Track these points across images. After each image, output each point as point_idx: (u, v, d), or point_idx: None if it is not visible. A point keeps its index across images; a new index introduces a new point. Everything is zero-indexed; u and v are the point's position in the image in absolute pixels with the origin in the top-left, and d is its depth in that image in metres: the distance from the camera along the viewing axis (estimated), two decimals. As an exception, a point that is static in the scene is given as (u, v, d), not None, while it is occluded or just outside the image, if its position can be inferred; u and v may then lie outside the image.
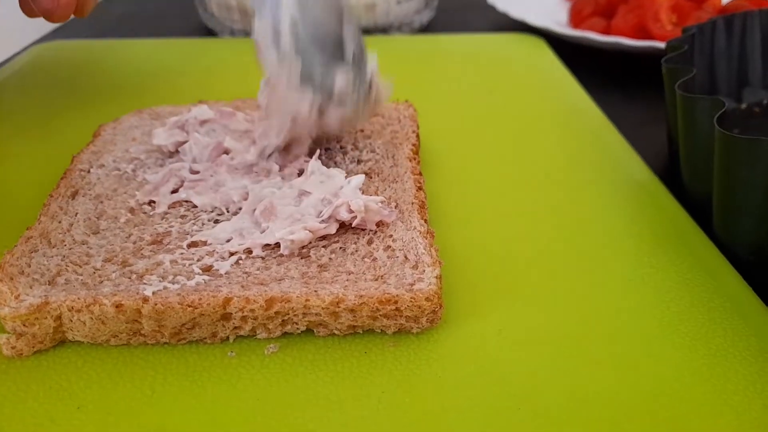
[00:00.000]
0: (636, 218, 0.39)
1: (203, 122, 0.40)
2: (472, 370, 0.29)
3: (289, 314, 0.29)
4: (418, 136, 0.42)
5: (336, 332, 0.30)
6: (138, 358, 0.29)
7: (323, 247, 0.32)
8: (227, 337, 0.30)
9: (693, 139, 0.38)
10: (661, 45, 0.59)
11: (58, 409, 0.27)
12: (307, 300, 0.29)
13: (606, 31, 0.66)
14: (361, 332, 0.30)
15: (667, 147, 0.50)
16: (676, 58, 0.43)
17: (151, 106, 0.46)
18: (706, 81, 0.53)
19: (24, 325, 0.29)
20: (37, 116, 0.50)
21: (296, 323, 0.29)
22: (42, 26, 0.72)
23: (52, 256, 0.32)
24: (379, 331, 0.30)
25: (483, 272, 0.34)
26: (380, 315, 0.29)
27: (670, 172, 0.46)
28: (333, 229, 0.32)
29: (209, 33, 0.73)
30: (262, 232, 0.32)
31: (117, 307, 0.28)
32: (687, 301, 0.32)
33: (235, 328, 0.29)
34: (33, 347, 0.29)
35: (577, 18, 0.69)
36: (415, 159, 0.39)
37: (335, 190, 0.33)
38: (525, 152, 0.45)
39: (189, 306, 0.28)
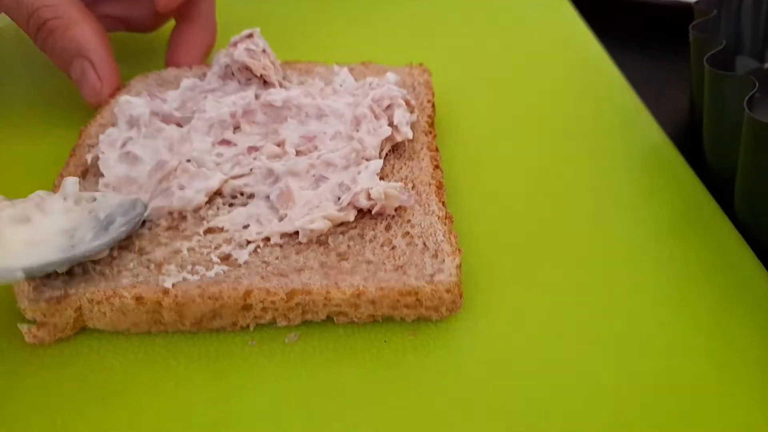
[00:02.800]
0: (656, 197, 0.38)
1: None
2: (492, 359, 0.29)
3: (309, 305, 0.29)
4: (433, 105, 0.41)
5: (355, 320, 0.30)
6: (159, 347, 0.29)
7: (341, 233, 0.32)
8: (248, 326, 0.30)
9: (719, 116, 0.37)
10: (687, 0, 0.57)
11: (84, 401, 0.27)
12: (327, 292, 0.29)
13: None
14: (380, 320, 0.30)
15: (688, 114, 0.49)
16: (703, 24, 0.41)
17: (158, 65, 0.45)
18: (731, 40, 0.51)
19: (44, 315, 0.29)
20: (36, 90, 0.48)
21: (316, 312, 0.29)
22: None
23: (68, 244, 0.31)
24: (399, 319, 0.30)
25: (500, 256, 0.34)
26: (401, 305, 0.29)
27: (691, 142, 0.44)
28: (351, 216, 0.31)
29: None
30: (280, 219, 0.32)
31: (137, 299, 0.28)
32: (709, 293, 0.32)
33: (255, 317, 0.29)
34: (54, 336, 0.29)
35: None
36: (431, 133, 0.38)
37: (353, 175, 0.32)
38: (540, 120, 0.44)
39: (210, 298, 0.28)
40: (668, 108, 0.50)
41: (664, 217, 0.36)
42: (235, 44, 0.42)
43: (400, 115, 0.36)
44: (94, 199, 0.31)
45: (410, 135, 0.36)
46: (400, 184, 0.32)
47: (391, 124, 0.36)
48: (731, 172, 0.37)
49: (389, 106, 0.36)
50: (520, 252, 0.34)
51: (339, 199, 0.32)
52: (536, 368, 0.29)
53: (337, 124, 0.37)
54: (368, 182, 0.32)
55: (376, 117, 0.35)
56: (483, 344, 0.30)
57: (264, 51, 0.41)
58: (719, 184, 0.39)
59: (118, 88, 0.42)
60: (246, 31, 0.42)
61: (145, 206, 0.32)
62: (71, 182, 0.32)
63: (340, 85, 0.41)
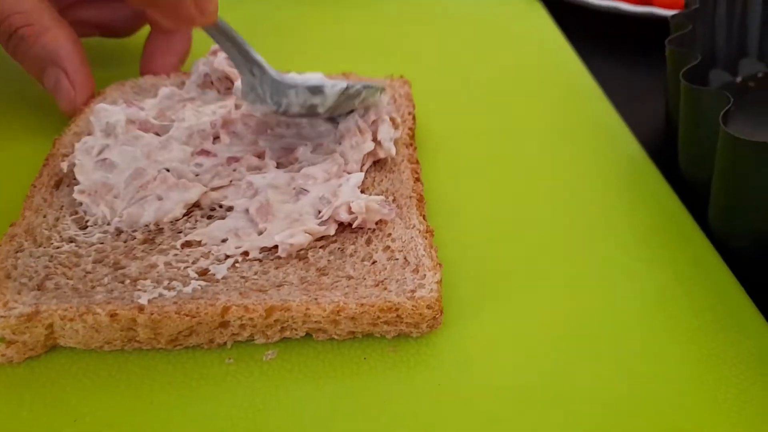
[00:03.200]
0: (631, 207, 0.38)
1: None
2: (473, 375, 0.29)
3: (288, 322, 0.29)
4: (414, 117, 0.41)
5: (335, 337, 0.29)
6: (134, 365, 0.29)
7: (321, 248, 0.31)
8: (225, 343, 0.29)
9: (694, 129, 0.38)
10: (661, 12, 0.58)
11: (55, 422, 0.27)
12: (307, 309, 0.28)
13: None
14: (360, 337, 0.30)
15: (664, 124, 0.49)
16: (679, 38, 0.42)
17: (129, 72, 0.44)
18: (706, 53, 0.52)
19: (14, 333, 0.28)
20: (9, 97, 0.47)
21: (295, 329, 0.29)
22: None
23: (39, 257, 0.30)
24: (379, 335, 0.30)
25: (479, 269, 0.34)
26: (381, 322, 0.29)
27: (667, 152, 0.45)
28: (332, 230, 0.31)
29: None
30: (260, 233, 0.31)
31: (111, 316, 0.28)
32: (683, 302, 0.33)
33: (233, 334, 0.29)
34: (24, 354, 0.28)
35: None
36: (411, 145, 0.38)
37: (334, 188, 0.32)
38: (517, 130, 0.44)
39: (186, 315, 0.28)
40: (643, 117, 0.51)
41: (640, 229, 0.37)
42: (214, 53, 0.41)
43: (385, 131, 0.36)
44: None
45: (393, 152, 0.36)
46: (381, 197, 0.32)
47: (374, 139, 0.36)
48: (705, 183, 0.37)
49: (374, 122, 0.36)
50: (498, 265, 0.34)
51: (320, 212, 0.32)
52: (517, 384, 0.29)
53: (317, 137, 0.36)
54: (349, 195, 0.31)
55: (361, 131, 0.35)
56: (463, 360, 0.29)
57: None
58: (693, 194, 0.40)
59: (93, 96, 0.41)
60: None
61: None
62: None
63: None
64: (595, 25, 0.63)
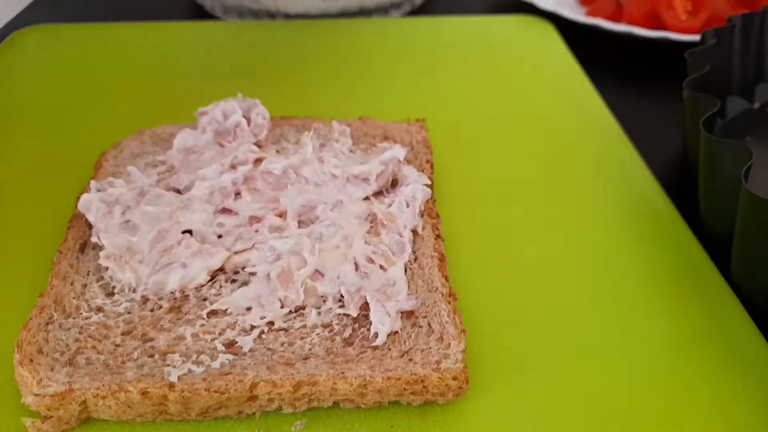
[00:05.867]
0: (653, 256, 0.38)
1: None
2: (499, 442, 0.29)
3: (315, 395, 0.29)
4: (432, 166, 0.41)
5: (362, 406, 0.30)
6: (165, 437, 0.29)
7: (346, 315, 0.32)
8: (254, 413, 0.30)
9: (715, 180, 0.38)
10: (675, 37, 0.57)
11: (91, 500, 0.27)
12: (334, 383, 0.29)
13: (617, 14, 0.64)
14: (386, 404, 0.30)
15: (682, 163, 0.49)
16: (697, 80, 0.42)
17: (149, 117, 0.45)
18: (720, 78, 0.51)
19: (48, 409, 0.28)
20: (32, 114, 0.47)
21: (323, 401, 0.29)
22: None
23: (69, 328, 0.31)
24: (405, 403, 0.30)
25: (502, 332, 0.34)
26: (407, 393, 0.29)
27: (686, 195, 0.45)
28: (354, 313, 0.31)
29: (202, 13, 0.69)
30: (281, 303, 0.31)
31: (143, 394, 0.28)
32: (705, 359, 0.33)
33: (261, 406, 0.29)
34: (59, 428, 0.29)
35: (586, -2, 0.66)
36: (431, 198, 0.38)
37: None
38: (536, 173, 0.44)
39: (216, 392, 0.28)
40: (658, 148, 0.51)
41: (662, 279, 0.37)
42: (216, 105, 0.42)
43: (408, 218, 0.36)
44: None
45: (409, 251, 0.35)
46: (404, 292, 0.32)
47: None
48: (728, 233, 0.37)
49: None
50: (522, 327, 0.34)
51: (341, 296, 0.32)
52: (542, 450, 0.29)
53: (337, 193, 0.37)
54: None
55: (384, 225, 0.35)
56: (491, 427, 0.30)
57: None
58: (714, 242, 0.40)
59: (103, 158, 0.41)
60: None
61: None
62: None
63: (336, 141, 0.41)
64: (608, 50, 0.63)
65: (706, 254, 0.39)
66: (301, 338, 0.31)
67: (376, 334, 0.31)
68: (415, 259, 0.34)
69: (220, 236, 0.35)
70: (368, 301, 0.31)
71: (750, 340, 0.34)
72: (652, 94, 0.58)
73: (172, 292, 0.33)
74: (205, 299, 0.33)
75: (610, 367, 0.32)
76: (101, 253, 0.34)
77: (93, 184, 0.36)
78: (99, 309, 0.32)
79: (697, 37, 0.58)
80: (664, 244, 0.39)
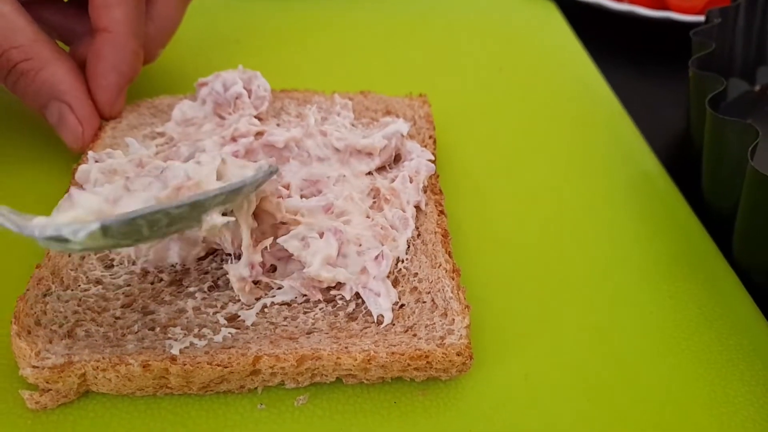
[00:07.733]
0: (655, 235, 0.38)
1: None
2: (503, 418, 0.29)
3: (319, 369, 0.29)
4: (434, 141, 0.41)
5: (365, 381, 0.30)
6: (166, 411, 0.29)
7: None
8: (256, 388, 0.29)
9: (719, 158, 0.37)
10: (677, 17, 0.57)
11: (91, 472, 0.27)
12: (338, 358, 0.28)
13: (620, -7, 0.63)
14: (389, 380, 0.30)
15: (685, 141, 0.49)
16: (702, 59, 0.41)
17: (147, 88, 0.44)
18: (724, 59, 0.51)
19: (47, 382, 0.28)
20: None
21: (326, 375, 0.29)
22: None
23: (68, 300, 0.30)
24: (408, 379, 0.30)
25: (506, 307, 0.34)
26: (411, 368, 0.29)
27: (689, 172, 0.45)
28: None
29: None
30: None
31: (144, 366, 0.28)
32: (706, 338, 0.33)
33: (264, 380, 0.29)
34: (57, 401, 0.29)
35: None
36: (434, 174, 0.38)
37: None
38: (539, 150, 0.44)
39: (218, 365, 0.28)
40: (660, 128, 0.51)
41: (664, 258, 0.37)
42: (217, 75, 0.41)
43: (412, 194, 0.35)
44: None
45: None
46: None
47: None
48: (730, 211, 0.37)
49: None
50: (524, 303, 0.34)
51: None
52: (547, 427, 0.29)
53: (341, 167, 0.36)
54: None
55: (390, 199, 0.35)
56: (493, 404, 0.30)
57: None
58: (716, 220, 0.40)
59: (100, 128, 0.40)
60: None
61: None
62: None
63: (338, 114, 0.40)
64: (610, 29, 0.62)
65: (706, 232, 0.39)
66: (305, 312, 0.30)
67: (381, 316, 0.30)
68: (419, 235, 0.34)
69: (220, 209, 0.35)
70: (359, 294, 0.31)
71: (750, 320, 0.34)
72: (654, 73, 0.57)
73: (173, 265, 0.32)
74: (206, 272, 0.32)
75: (612, 344, 0.32)
76: None
77: (91, 154, 0.35)
78: (98, 281, 0.32)
79: (699, 18, 0.58)
80: (665, 221, 0.39)
